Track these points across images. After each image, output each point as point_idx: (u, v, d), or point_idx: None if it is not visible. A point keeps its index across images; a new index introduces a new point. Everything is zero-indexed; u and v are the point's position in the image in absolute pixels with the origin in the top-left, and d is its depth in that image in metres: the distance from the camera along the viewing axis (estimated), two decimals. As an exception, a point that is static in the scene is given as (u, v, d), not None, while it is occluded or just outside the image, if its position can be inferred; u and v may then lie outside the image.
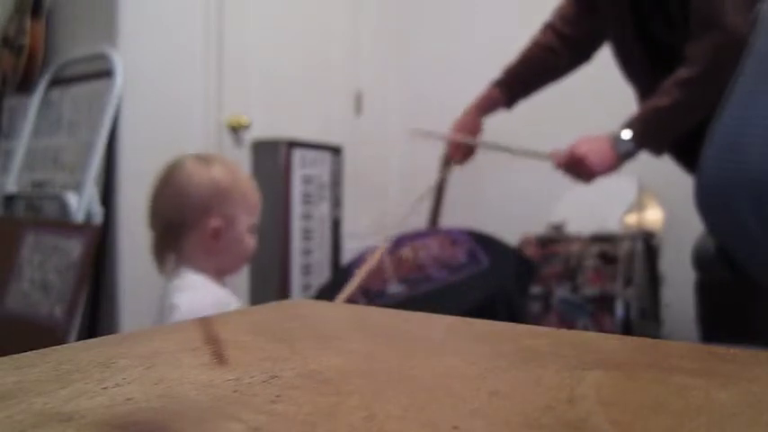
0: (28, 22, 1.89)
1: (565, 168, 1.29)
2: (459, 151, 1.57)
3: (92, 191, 1.73)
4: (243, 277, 1.84)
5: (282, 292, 1.82)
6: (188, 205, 1.10)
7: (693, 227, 0.82)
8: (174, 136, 1.92)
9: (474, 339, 0.41)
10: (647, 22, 1.26)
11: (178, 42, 1.97)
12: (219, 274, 1.14)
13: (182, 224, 1.10)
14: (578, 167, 1.27)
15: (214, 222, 1.09)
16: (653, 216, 2.10)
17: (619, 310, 1.70)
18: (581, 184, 1.32)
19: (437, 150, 2.55)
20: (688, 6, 1.17)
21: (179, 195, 1.11)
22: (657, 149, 1.26)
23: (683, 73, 1.17)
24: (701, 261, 0.89)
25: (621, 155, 1.24)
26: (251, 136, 2.08)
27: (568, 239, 1.88)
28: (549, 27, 1.51)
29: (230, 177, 1.13)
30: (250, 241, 1.14)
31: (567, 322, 1.73)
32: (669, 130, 1.23)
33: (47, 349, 0.36)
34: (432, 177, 2.49)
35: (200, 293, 1.05)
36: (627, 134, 1.23)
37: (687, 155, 1.31)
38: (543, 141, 1.60)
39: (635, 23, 1.28)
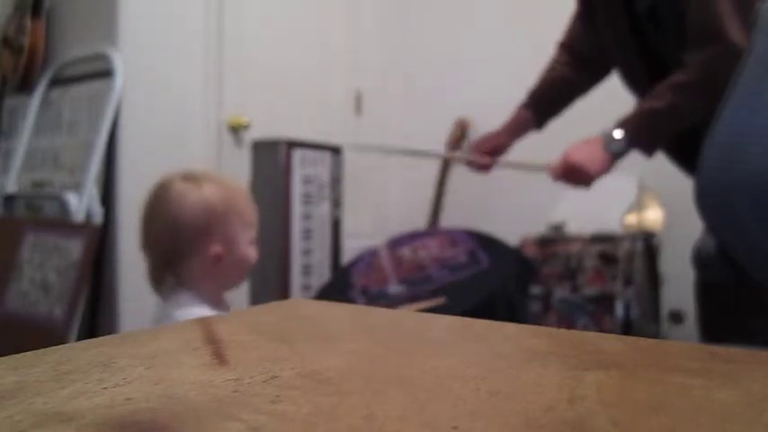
0: (28, 22, 1.89)
1: (562, 178, 1.30)
2: (480, 162, 1.56)
3: (92, 191, 1.73)
4: (243, 277, 1.84)
5: (282, 292, 1.82)
6: (184, 233, 1.04)
7: (693, 227, 0.82)
8: (174, 136, 1.93)
9: (474, 339, 0.41)
10: (645, 35, 1.27)
11: (178, 42, 1.97)
12: (222, 291, 1.12)
13: (179, 252, 1.05)
14: (575, 175, 1.28)
15: (214, 249, 1.05)
16: (653, 216, 2.10)
17: (619, 310, 1.70)
18: (581, 190, 1.33)
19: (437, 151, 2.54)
20: (681, 19, 1.18)
21: (173, 223, 1.05)
22: (648, 150, 1.27)
23: (679, 77, 1.18)
24: (701, 261, 0.89)
25: (613, 154, 1.25)
26: (251, 136, 2.08)
27: (568, 239, 1.88)
28: (562, 46, 1.52)
29: (224, 196, 1.07)
30: (252, 253, 1.11)
31: (566, 322, 1.73)
32: (660, 133, 1.25)
33: (46, 349, 0.36)
34: (431, 178, 2.49)
35: None
36: (618, 134, 1.24)
37: (686, 157, 1.32)
38: (542, 144, 1.61)
39: (633, 36, 1.28)
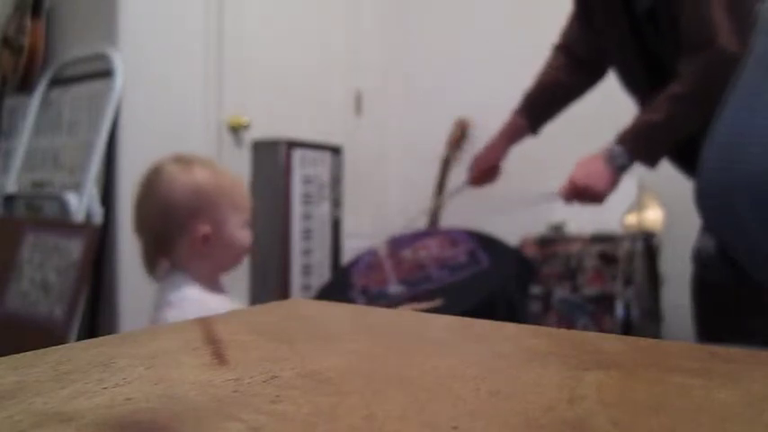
0: (28, 22, 1.89)
1: (574, 199, 1.32)
2: (481, 177, 1.59)
3: (92, 191, 1.73)
4: (243, 277, 1.84)
5: (282, 292, 1.82)
6: (173, 214, 1.07)
7: (693, 227, 0.82)
8: (174, 136, 1.92)
9: (474, 339, 0.41)
10: (644, 36, 1.27)
11: (178, 42, 1.97)
12: (217, 273, 1.14)
13: (170, 233, 1.08)
14: (585, 195, 1.30)
15: (202, 229, 1.07)
16: (653, 216, 2.10)
17: (619, 310, 1.70)
18: (594, 206, 1.34)
19: (437, 151, 2.55)
20: (678, 23, 1.18)
21: (163, 204, 1.08)
22: (650, 162, 1.28)
23: (674, 89, 1.19)
24: (701, 261, 0.89)
25: (618, 168, 1.26)
26: (251, 136, 2.08)
27: (568, 239, 1.88)
28: (559, 49, 1.52)
29: (213, 179, 1.10)
30: (244, 236, 1.13)
31: (566, 322, 1.73)
32: (660, 145, 1.26)
33: (46, 349, 0.36)
34: (431, 178, 2.49)
35: (189, 310, 1.03)
36: (619, 148, 1.26)
37: (685, 158, 1.32)
38: (540, 145, 1.61)
39: (632, 37, 1.29)
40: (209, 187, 1.09)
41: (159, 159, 1.13)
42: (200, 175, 1.09)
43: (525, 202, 1.55)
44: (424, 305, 1.22)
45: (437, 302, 1.22)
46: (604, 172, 1.26)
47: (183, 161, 1.11)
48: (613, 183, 1.28)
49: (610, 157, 1.26)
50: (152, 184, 1.11)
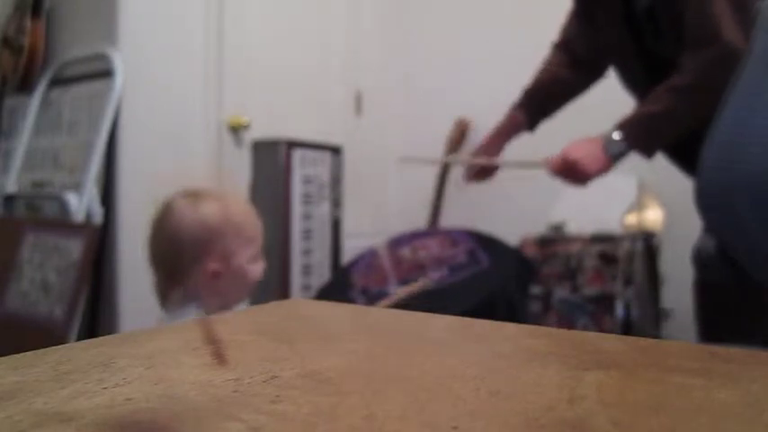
0: (28, 22, 1.89)
1: (559, 173, 1.30)
2: (476, 175, 1.51)
3: (92, 191, 1.73)
4: (243, 277, 1.84)
5: (282, 292, 1.82)
6: (182, 251, 1.08)
7: (693, 227, 0.82)
8: (174, 136, 1.93)
9: (474, 339, 0.41)
10: (643, 35, 1.27)
11: (178, 42, 1.97)
12: (228, 307, 1.13)
13: (182, 267, 1.08)
14: (572, 172, 1.28)
15: (212, 266, 1.07)
16: (653, 216, 2.10)
17: (619, 310, 1.70)
18: (577, 188, 1.33)
19: (437, 151, 2.55)
20: (679, 20, 1.18)
21: (172, 242, 1.09)
22: (647, 153, 1.27)
23: (676, 81, 1.19)
24: (701, 261, 0.89)
25: (613, 156, 1.25)
26: (251, 136, 2.08)
27: (568, 239, 1.88)
28: (558, 47, 1.51)
29: (221, 214, 1.10)
30: (254, 270, 1.12)
31: (566, 322, 1.73)
32: (659, 136, 1.25)
33: (46, 349, 0.36)
34: (431, 178, 2.49)
35: None
36: (618, 135, 1.24)
37: (685, 157, 1.32)
38: (537, 144, 1.61)
39: (632, 36, 1.29)
40: (217, 223, 1.09)
41: (170, 195, 1.13)
42: (208, 210, 1.09)
43: (509, 164, 1.53)
44: (414, 287, 1.22)
45: (426, 282, 1.23)
46: (600, 155, 1.25)
47: (192, 196, 1.11)
48: (605, 168, 1.26)
49: (606, 143, 1.25)
50: (162, 220, 1.11)
